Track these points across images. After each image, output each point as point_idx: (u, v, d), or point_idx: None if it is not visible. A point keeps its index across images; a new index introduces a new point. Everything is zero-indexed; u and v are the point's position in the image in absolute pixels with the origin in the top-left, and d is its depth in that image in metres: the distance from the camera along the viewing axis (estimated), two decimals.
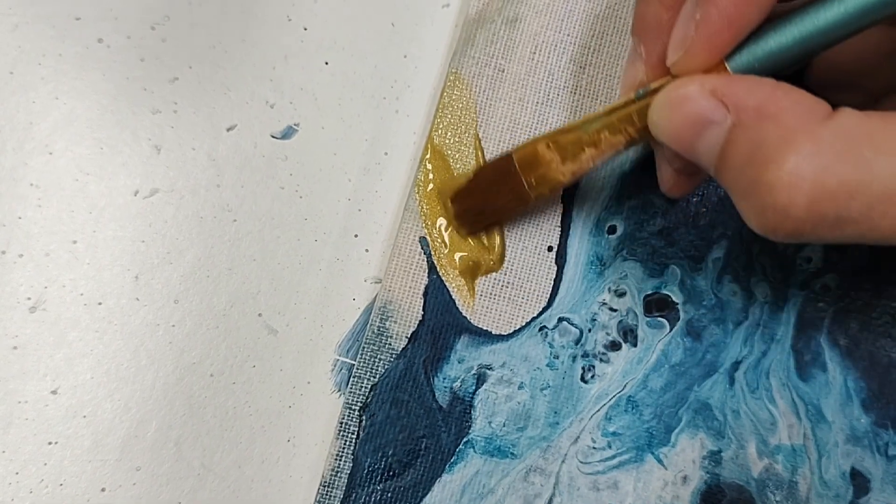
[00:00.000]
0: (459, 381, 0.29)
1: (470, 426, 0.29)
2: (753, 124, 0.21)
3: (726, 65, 0.23)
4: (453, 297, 0.29)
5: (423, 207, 0.30)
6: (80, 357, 0.29)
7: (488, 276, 0.30)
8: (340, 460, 0.28)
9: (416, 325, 0.29)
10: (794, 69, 0.24)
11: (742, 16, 0.22)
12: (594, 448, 0.29)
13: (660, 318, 0.30)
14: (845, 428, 0.30)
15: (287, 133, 0.31)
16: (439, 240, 0.30)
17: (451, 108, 0.30)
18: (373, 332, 0.29)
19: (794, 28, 0.23)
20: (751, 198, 0.22)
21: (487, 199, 0.29)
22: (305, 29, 0.32)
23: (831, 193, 0.20)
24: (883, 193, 0.20)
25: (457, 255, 0.30)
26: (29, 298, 0.29)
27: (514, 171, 0.27)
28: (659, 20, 0.25)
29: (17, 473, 0.28)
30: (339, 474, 0.28)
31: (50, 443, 0.29)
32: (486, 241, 0.30)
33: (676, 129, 0.23)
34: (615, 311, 0.30)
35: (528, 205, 0.28)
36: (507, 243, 0.30)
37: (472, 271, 0.30)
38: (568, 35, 0.31)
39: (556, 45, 0.31)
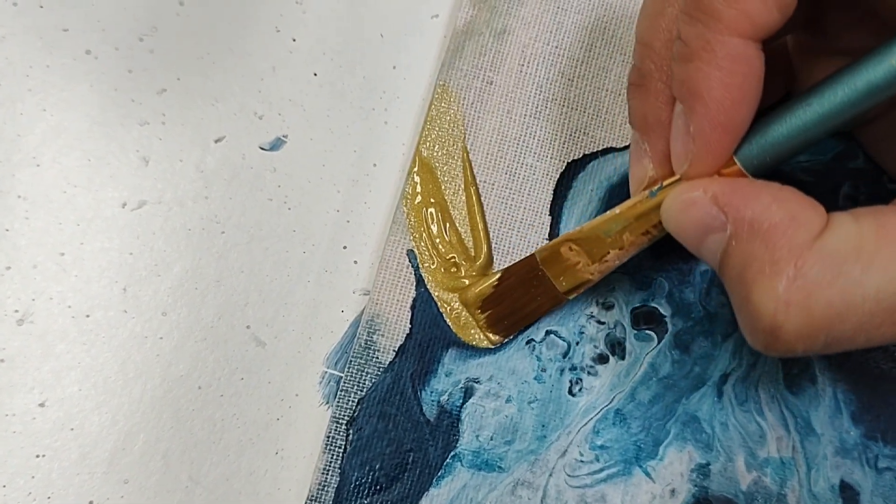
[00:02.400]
0: (447, 394, 0.29)
1: (457, 440, 0.29)
2: (746, 239, 0.21)
3: (735, 160, 0.23)
4: (440, 310, 0.29)
5: (410, 220, 0.30)
6: (67, 369, 0.29)
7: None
8: (327, 474, 0.28)
9: (403, 339, 0.29)
10: (811, 148, 0.24)
11: (734, 119, 0.22)
12: (582, 461, 0.29)
13: (648, 331, 0.30)
14: (834, 440, 0.30)
15: (275, 144, 0.31)
16: (427, 253, 0.30)
17: (438, 121, 0.30)
18: (360, 346, 0.29)
19: (801, 114, 0.23)
20: (742, 314, 0.22)
21: (519, 303, 0.29)
22: (294, 40, 0.32)
23: (819, 319, 0.20)
24: (875, 309, 0.20)
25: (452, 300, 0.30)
26: (16, 311, 0.29)
27: (543, 274, 0.28)
28: (659, 117, 0.25)
29: (4, 486, 0.28)
30: (326, 488, 0.28)
31: (37, 456, 0.29)
32: (472, 253, 0.30)
33: (685, 231, 0.24)
34: (603, 323, 0.30)
35: (562, 304, 0.29)
36: (495, 256, 0.30)
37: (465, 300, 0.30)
38: (556, 47, 0.31)
39: (544, 58, 0.31)
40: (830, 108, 0.22)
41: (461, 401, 0.29)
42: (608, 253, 0.27)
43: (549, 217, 0.30)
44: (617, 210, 0.26)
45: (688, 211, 0.23)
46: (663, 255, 0.30)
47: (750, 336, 0.22)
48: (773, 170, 0.24)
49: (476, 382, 0.29)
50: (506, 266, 0.29)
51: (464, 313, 0.29)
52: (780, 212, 0.21)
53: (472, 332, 0.29)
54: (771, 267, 0.21)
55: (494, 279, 0.29)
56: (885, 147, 0.29)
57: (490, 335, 0.29)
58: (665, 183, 0.25)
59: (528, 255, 0.29)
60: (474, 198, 0.30)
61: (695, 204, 0.23)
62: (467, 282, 0.30)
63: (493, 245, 0.30)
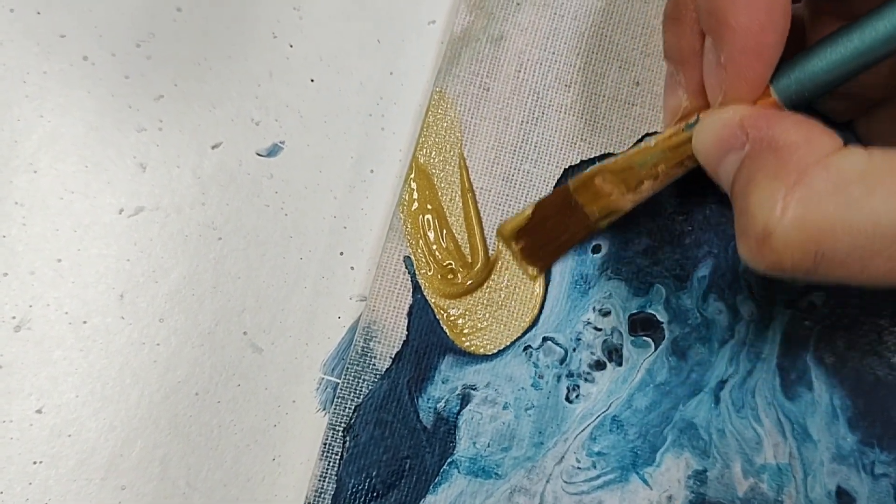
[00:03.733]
0: (444, 401, 0.29)
1: (454, 447, 0.29)
2: (760, 154, 0.22)
3: (771, 90, 0.24)
4: (437, 317, 0.29)
5: (407, 226, 0.30)
6: (64, 376, 0.29)
7: (473, 295, 0.30)
8: (324, 481, 0.28)
9: (400, 346, 0.29)
10: (848, 82, 0.24)
11: (763, 44, 0.23)
12: (579, 468, 0.29)
13: (645, 338, 0.30)
14: (831, 447, 0.30)
15: (272, 151, 0.31)
16: (424, 259, 0.30)
17: (435, 127, 0.30)
18: (357, 353, 0.29)
19: (842, 46, 0.23)
20: (739, 223, 0.22)
21: (553, 233, 0.29)
22: (291, 46, 0.32)
23: (813, 230, 0.20)
24: (872, 234, 0.20)
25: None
26: (14, 317, 0.29)
27: (576, 203, 0.28)
28: (693, 48, 0.25)
29: (1, 493, 0.28)
30: (322, 496, 0.28)
31: (35, 462, 0.29)
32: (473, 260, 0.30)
33: (707, 150, 0.24)
34: (600, 330, 0.30)
35: (593, 234, 0.29)
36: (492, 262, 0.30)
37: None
38: (553, 53, 0.31)
39: (541, 64, 0.31)
40: (873, 41, 0.22)
41: (458, 408, 0.29)
42: (642, 183, 0.27)
43: None
44: (652, 142, 0.26)
45: (714, 130, 0.24)
46: (661, 260, 0.30)
47: (742, 244, 0.22)
48: (810, 103, 0.24)
49: (473, 389, 0.29)
50: (499, 274, 0.30)
51: (459, 320, 0.29)
52: (797, 133, 0.22)
53: (469, 338, 0.29)
54: (775, 175, 0.21)
55: (529, 211, 0.29)
56: (884, 140, 0.29)
57: (528, 268, 0.30)
58: (702, 115, 0.25)
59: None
60: (471, 204, 0.30)
61: (723, 124, 0.23)
62: (465, 287, 0.30)
63: (490, 251, 0.30)
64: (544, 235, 0.29)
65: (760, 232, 0.21)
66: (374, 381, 0.29)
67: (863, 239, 0.20)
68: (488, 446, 0.29)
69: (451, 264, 0.30)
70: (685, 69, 0.26)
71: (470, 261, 0.30)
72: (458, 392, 0.29)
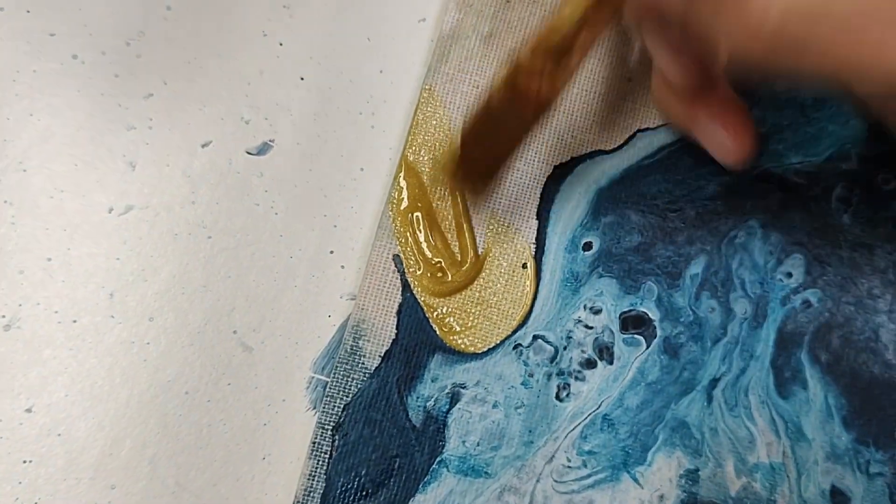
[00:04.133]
0: (433, 399, 0.29)
1: (444, 445, 0.29)
2: None
3: None
4: (427, 315, 0.29)
5: (396, 225, 0.30)
6: (54, 375, 0.29)
7: (463, 293, 0.29)
8: (313, 480, 0.28)
9: (389, 344, 0.29)
10: None
11: None
12: (569, 467, 0.29)
13: (636, 336, 0.30)
14: (825, 446, 0.29)
15: (262, 149, 0.31)
16: (413, 258, 0.30)
17: (424, 126, 0.30)
18: (346, 352, 0.29)
19: None
20: (723, 17, 0.21)
21: (489, 145, 0.28)
22: (281, 44, 0.31)
23: (803, 9, 0.20)
24: (853, 12, 0.19)
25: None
26: (3, 316, 0.29)
27: (504, 110, 0.26)
28: None
29: None
30: (311, 494, 0.28)
31: (24, 461, 0.29)
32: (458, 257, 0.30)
33: None
34: (591, 328, 0.30)
35: (543, 116, 0.28)
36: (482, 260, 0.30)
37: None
38: None
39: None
40: None
41: (447, 406, 0.29)
42: (573, 44, 0.25)
43: (537, 221, 0.30)
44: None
45: None
46: (652, 258, 0.30)
47: (728, 38, 0.21)
48: None
49: (462, 388, 0.29)
50: (489, 271, 0.29)
51: (449, 318, 0.29)
52: None
53: (458, 336, 0.29)
54: None
55: (458, 139, 0.27)
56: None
57: (474, 187, 0.29)
58: None
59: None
60: (460, 202, 0.30)
61: None
62: (454, 286, 0.29)
63: (480, 250, 0.30)
64: (482, 150, 0.28)
65: (757, 16, 0.20)
66: (363, 380, 0.29)
67: (842, 20, 0.20)
68: (478, 445, 0.29)
69: (440, 262, 0.30)
70: None
71: (459, 259, 0.30)
72: (447, 390, 0.29)
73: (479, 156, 0.28)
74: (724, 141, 0.28)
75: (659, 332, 0.30)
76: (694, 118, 0.28)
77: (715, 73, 0.27)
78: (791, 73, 0.21)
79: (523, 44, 0.26)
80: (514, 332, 0.29)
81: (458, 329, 0.29)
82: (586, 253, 0.30)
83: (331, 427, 0.28)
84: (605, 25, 0.25)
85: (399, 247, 0.29)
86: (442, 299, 0.29)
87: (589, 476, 0.29)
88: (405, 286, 0.29)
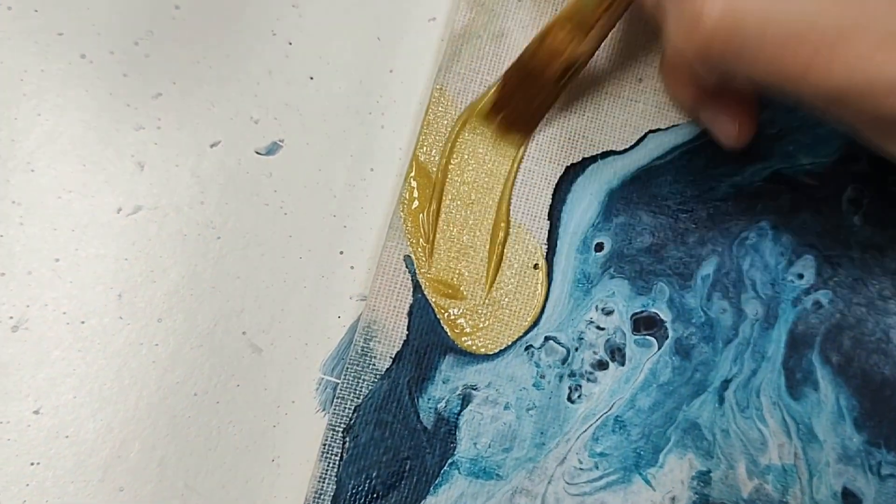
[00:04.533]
0: (444, 401, 0.29)
1: (455, 447, 0.28)
2: None
3: None
4: (438, 316, 0.29)
5: (407, 225, 0.29)
6: (62, 377, 0.29)
7: (474, 294, 0.29)
8: (324, 483, 0.28)
9: (400, 345, 0.29)
10: None
11: None
12: (581, 469, 0.29)
13: (648, 337, 0.30)
14: (837, 447, 0.29)
15: (271, 149, 0.31)
16: (424, 258, 0.29)
17: (435, 125, 0.30)
18: (356, 353, 0.29)
19: None
20: (671, 7, 0.22)
21: (524, 103, 0.30)
22: (290, 44, 0.31)
23: (746, 14, 0.20)
24: (797, 30, 0.20)
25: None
26: (11, 317, 0.29)
27: (537, 71, 0.29)
28: None
29: None
30: (322, 497, 0.28)
31: (32, 464, 0.28)
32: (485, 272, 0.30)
33: None
34: (602, 329, 0.29)
35: (557, 96, 0.30)
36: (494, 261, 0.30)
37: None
38: None
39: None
40: None
41: (459, 408, 0.29)
42: (592, 28, 0.27)
43: (548, 221, 0.30)
44: None
45: None
46: (664, 258, 0.30)
47: (673, 28, 0.22)
48: None
49: (474, 389, 0.29)
50: (501, 272, 0.29)
51: (460, 319, 0.29)
52: None
53: (470, 338, 0.29)
54: None
55: (498, 86, 0.30)
56: None
57: (512, 137, 0.30)
58: None
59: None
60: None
61: None
62: (463, 288, 0.29)
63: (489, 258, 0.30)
64: (517, 106, 0.29)
65: (696, 11, 0.21)
66: (374, 382, 0.29)
67: (787, 36, 0.20)
68: (489, 447, 0.29)
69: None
70: None
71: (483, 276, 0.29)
72: (458, 392, 0.29)
73: (516, 106, 0.29)
74: (726, 125, 0.28)
75: (671, 334, 0.30)
76: (700, 101, 0.28)
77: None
78: (725, 74, 0.21)
79: (553, 17, 0.28)
80: (526, 333, 0.29)
81: (469, 330, 0.29)
82: (598, 254, 0.30)
83: (341, 429, 0.28)
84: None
85: (410, 247, 0.29)
86: (453, 300, 0.29)
87: (601, 478, 0.29)
88: (416, 287, 0.29)
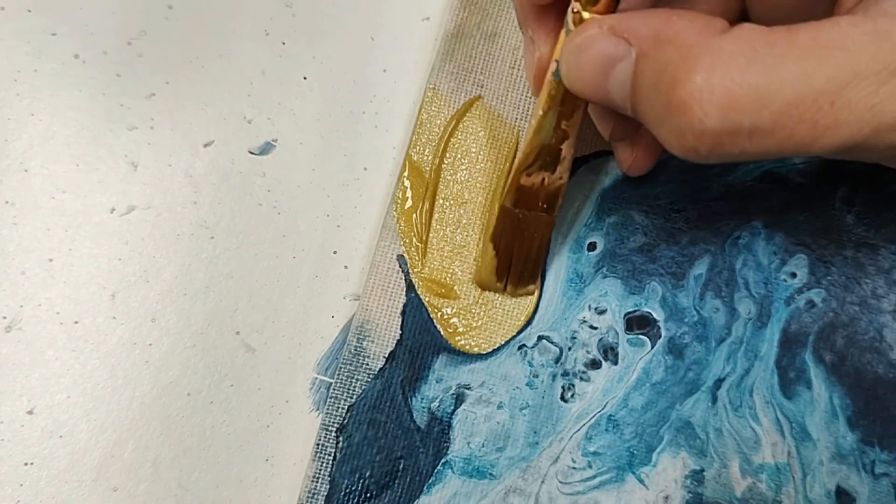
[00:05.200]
0: (437, 401, 0.29)
1: (448, 447, 0.28)
2: (655, 51, 0.21)
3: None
4: (431, 316, 0.29)
5: (400, 225, 0.29)
6: (56, 377, 0.29)
7: (467, 294, 0.29)
8: (317, 482, 0.28)
9: (393, 345, 0.29)
10: None
11: None
12: (574, 468, 0.29)
13: (641, 336, 0.30)
14: (831, 446, 0.29)
15: (265, 149, 0.31)
16: (417, 257, 0.29)
17: (429, 125, 0.30)
18: (350, 352, 0.29)
19: None
20: (666, 121, 0.21)
21: (524, 252, 0.29)
22: (284, 44, 0.31)
23: (741, 101, 0.20)
24: (794, 98, 0.20)
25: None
26: (4, 317, 0.29)
27: (523, 215, 0.28)
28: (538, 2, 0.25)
29: None
30: (315, 497, 0.28)
31: (26, 463, 0.28)
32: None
33: (587, 75, 0.23)
34: (595, 328, 0.29)
35: (556, 224, 0.29)
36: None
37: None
38: None
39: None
40: None
41: (452, 407, 0.29)
42: (560, 150, 0.26)
43: None
44: (540, 111, 0.25)
45: (587, 51, 0.23)
46: (657, 258, 0.30)
47: (678, 141, 0.21)
48: None
49: (467, 389, 0.29)
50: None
51: (453, 319, 0.29)
52: (682, 19, 0.21)
53: (463, 337, 0.29)
54: (690, 61, 0.20)
55: (490, 251, 0.28)
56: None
57: (527, 289, 0.29)
58: (558, 55, 0.24)
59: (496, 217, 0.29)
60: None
61: (592, 41, 0.22)
62: (457, 288, 0.29)
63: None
64: (518, 259, 0.29)
65: (697, 118, 0.20)
66: (367, 381, 0.29)
67: (787, 105, 0.20)
68: (483, 446, 0.29)
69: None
70: (532, 23, 0.26)
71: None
72: (452, 391, 0.29)
73: (517, 261, 0.29)
74: (624, 154, 0.28)
75: (663, 333, 0.30)
76: (615, 127, 0.28)
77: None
78: (741, 157, 0.21)
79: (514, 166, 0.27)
80: (519, 332, 0.29)
81: (462, 330, 0.29)
82: (591, 253, 0.30)
83: (335, 428, 0.28)
84: (578, 112, 0.26)
85: (403, 247, 0.29)
86: (447, 300, 0.29)
87: (594, 477, 0.29)
88: (409, 286, 0.29)
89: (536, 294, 0.29)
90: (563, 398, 0.29)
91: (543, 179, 0.27)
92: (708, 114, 0.20)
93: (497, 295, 0.29)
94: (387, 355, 0.29)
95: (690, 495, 0.29)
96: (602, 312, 0.30)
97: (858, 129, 0.20)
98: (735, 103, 0.20)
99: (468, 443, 0.29)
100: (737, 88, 0.20)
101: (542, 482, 0.28)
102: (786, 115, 0.20)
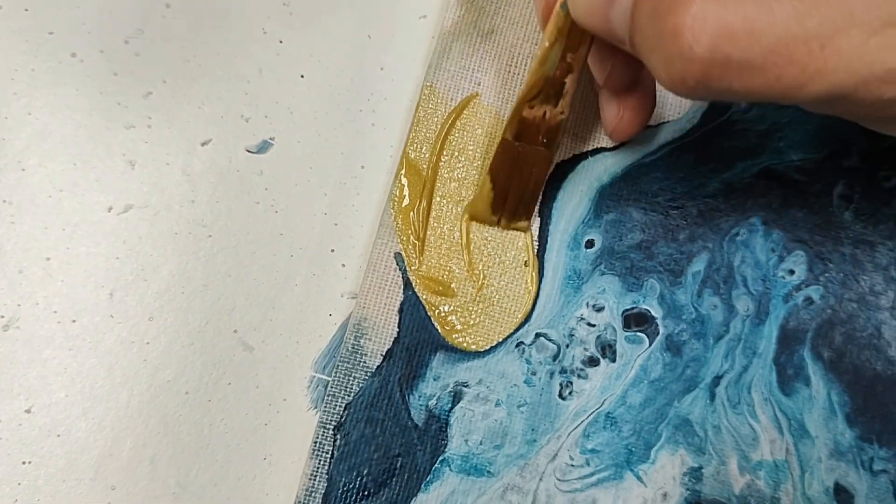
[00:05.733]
0: (435, 398, 0.29)
1: (446, 444, 0.28)
2: None
3: None
4: (428, 314, 0.29)
5: (398, 223, 0.29)
6: (53, 375, 0.29)
7: (464, 291, 0.29)
8: (315, 480, 0.28)
9: (391, 343, 0.29)
10: None
11: None
12: (572, 465, 0.29)
13: (639, 333, 0.30)
14: (829, 443, 0.29)
15: (262, 147, 0.31)
16: (414, 255, 0.29)
17: (426, 123, 0.30)
18: (347, 350, 0.29)
19: None
20: (658, 49, 0.21)
21: (520, 186, 0.29)
22: (281, 42, 0.31)
23: (733, 33, 0.20)
24: (786, 36, 0.20)
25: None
26: (2, 316, 0.29)
27: (522, 147, 0.28)
28: None
29: None
30: (313, 494, 0.28)
31: (24, 462, 0.28)
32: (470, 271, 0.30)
33: (591, 8, 0.24)
34: (593, 326, 0.29)
35: (553, 162, 0.29)
36: (484, 258, 0.30)
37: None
38: None
39: (532, 58, 0.30)
40: None
41: (450, 405, 0.29)
42: (563, 84, 0.27)
43: (539, 218, 0.30)
44: (546, 43, 0.26)
45: None
46: (655, 255, 0.30)
47: (666, 70, 0.21)
48: None
49: (465, 386, 0.29)
50: (491, 270, 0.29)
51: (451, 317, 0.29)
52: None
53: (461, 335, 0.29)
54: None
55: (488, 183, 0.29)
56: None
57: (519, 225, 0.30)
58: None
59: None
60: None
61: None
62: (454, 285, 0.29)
63: (484, 250, 0.30)
64: (514, 192, 0.29)
65: (687, 44, 0.20)
66: (364, 379, 0.29)
67: (779, 43, 0.20)
68: (480, 444, 0.29)
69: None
70: None
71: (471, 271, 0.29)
72: (449, 389, 0.29)
73: (513, 195, 0.29)
74: (612, 116, 0.28)
75: (661, 330, 0.30)
76: (608, 83, 0.28)
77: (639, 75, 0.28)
78: (728, 94, 0.21)
79: (516, 97, 0.28)
80: (517, 329, 0.29)
81: (460, 327, 0.29)
82: (588, 250, 0.30)
83: (332, 426, 0.28)
84: (583, 47, 0.26)
85: (401, 245, 0.29)
86: (444, 297, 0.29)
87: (592, 474, 0.29)
88: (407, 284, 0.29)
89: (533, 290, 0.29)
90: (560, 396, 0.29)
91: (545, 113, 0.27)
92: (699, 41, 0.20)
93: (495, 293, 0.29)
94: (384, 353, 0.29)
95: (689, 493, 0.29)
96: (600, 310, 0.30)
97: (847, 77, 0.20)
98: (726, 34, 0.20)
99: (466, 440, 0.29)
100: (730, 19, 0.20)
101: (540, 480, 0.28)
102: (776, 54, 0.20)
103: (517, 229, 0.30)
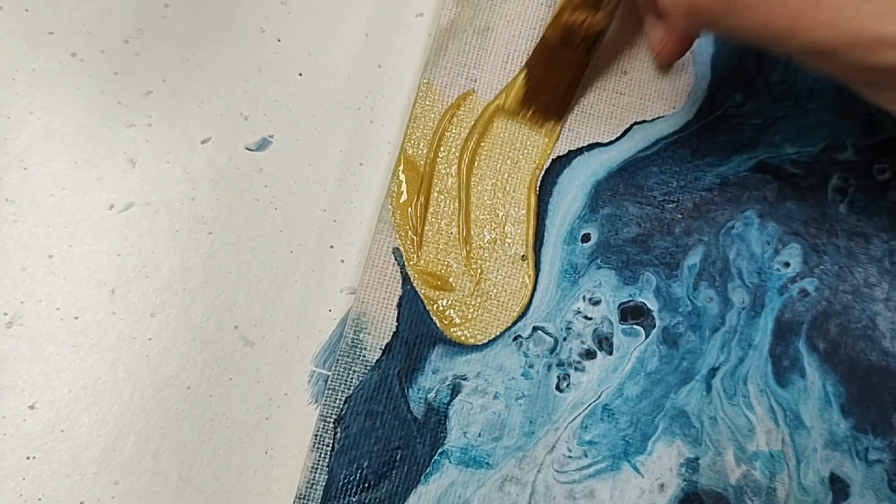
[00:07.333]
0: (434, 391, 0.29)
1: (445, 437, 0.29)
2: None
3: None
4: (427, 308, 0.29)
5: (396, 218, 0.30)
6: (57, 371, 0.29)
7: (462, 286, 0.30)
8: (316, 472, 0.28)
9: (390, 337, 0.29)
10: None
11: None
12: (570, 457, 0.29)
13: (635, 326, 0.30)
14: (824, 433, 0.29)
15: (262, 145, 0.31)
16: (412, 250, 0.30)
17: (423, 119, 0.30)
18: (347, 345, 0.29)
19: None
20: None
21: (551, 87, 0.30)
22: (279, 41, 0.32)
23: None
24: None
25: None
26: (5, 314, 0.29)
27: (561, 51, 0.29)
28: None
29: None
30: (314, 487, 0.28)
31: (28, 457, 0.29)
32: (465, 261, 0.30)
33: None
34: (590, 319, 0.30)
35: (587, 67, 0.30)
36: (481, 252, 0.30)
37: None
38: None
39: (528, 54, 0.31)
40: None
41: (448, 398, 0.29)
42: None
43: (537, 210, 0.30)
44: None
45: None
46: (651, 249, 0.30)
47: None
48: None
49: (463, 379, 0.29)
50: (489, 264, 0.30)
51: (449, 310, 0.29)
52: None
53: (459, 328, 0.29)
54: None
55: (522, 78, 0.30)
56: None
57: (548, 126, 0.30)
58: None
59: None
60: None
61: None
62: (452, 280, 0.30)
63: (483, 240, 0.30)
64: (546, 89, 0.30)
65: None
66: (364, 373, 0.29)
67: None
68: (479, 436, 0.29)
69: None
70: None
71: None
72: (448, 382, 0.29)
73: (545, 92, 0.30)
74: (658, 40, 0.29)
75: (658, 323, 0.30)
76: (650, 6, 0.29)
77: None
78: (718, 28, 0.22)
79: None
80: (514, 323, 0.30)
81: (458, 321, 0.29)
82: (585, 244, 0.30)
83: (333, 420, 0.29)
84: None
85: (399, 240, 0.30)
86: (442, 292, 0.29)
87: (590, 466, 0.29)
88: (405, 279, 0.29)
89: (530, 283, 0.30)
90: (558, 388, 0.29)
91: (585, 18, 0.28)
92: None
93: (493, 287, 0.30)
94: (383, 347, 0.29)
95: (686, 483, 0.29)
96: (596, 303, 0.30)
97: (835, 36, 0.21)
98: None
99: (465, 433, 0.29)
100: None
101: (539, 471, 0.29)
102: (768, 3, 0.21)
103: (545, 131, 0.30)
